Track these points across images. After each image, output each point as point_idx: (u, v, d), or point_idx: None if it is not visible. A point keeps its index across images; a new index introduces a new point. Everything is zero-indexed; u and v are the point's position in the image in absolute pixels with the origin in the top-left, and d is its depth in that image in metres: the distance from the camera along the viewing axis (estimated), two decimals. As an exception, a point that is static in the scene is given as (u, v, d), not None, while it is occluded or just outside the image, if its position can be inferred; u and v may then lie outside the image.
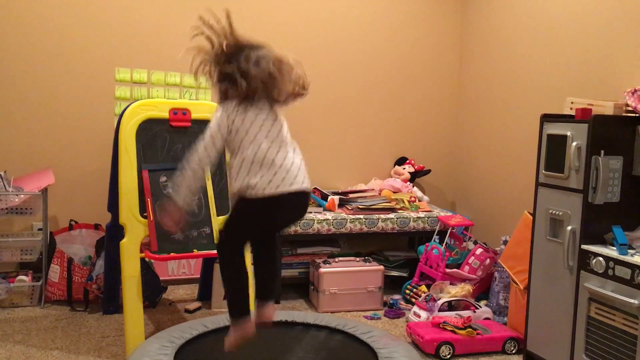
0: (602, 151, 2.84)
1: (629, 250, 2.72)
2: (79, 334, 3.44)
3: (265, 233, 2.55)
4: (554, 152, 3.05)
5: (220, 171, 3.40)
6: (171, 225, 2.51)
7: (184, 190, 2.36)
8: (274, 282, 2.60)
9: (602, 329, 2.76)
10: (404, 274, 4.40)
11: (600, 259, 2.77)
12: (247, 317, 2.42)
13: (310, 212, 4.18)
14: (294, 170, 2.35)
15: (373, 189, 4.65)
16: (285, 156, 2.35)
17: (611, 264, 2.71)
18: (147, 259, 3.45)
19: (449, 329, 3.33)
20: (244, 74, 2.30)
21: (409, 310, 3.84)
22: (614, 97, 3.20)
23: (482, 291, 4.02)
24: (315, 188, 4.50)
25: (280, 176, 2.31)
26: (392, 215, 4.29)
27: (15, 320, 3.61)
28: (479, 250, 4.02)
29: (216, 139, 2.34)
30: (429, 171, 4.86)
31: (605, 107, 2.97)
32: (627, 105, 2.93)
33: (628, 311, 2.63)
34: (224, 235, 2.44)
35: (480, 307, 3.67)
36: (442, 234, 4.25)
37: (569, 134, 2.95)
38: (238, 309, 2.43)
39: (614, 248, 2.76)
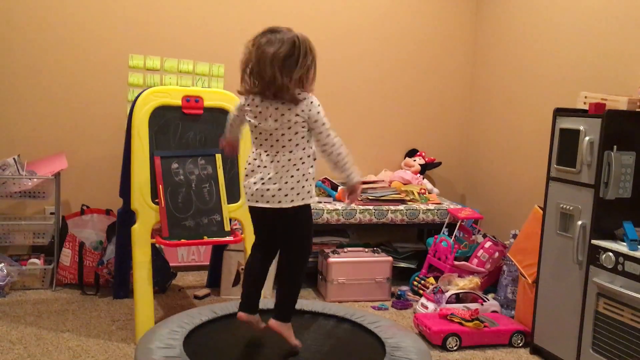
0: (615, 146, 2.83)
1: (639, 246, 2.71)
2: (89, 317, 3.48)
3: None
4: (566, 146, 3.04)
5: (231, 160, 3.42)
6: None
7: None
8: (281, 299, 2.46)
9: (610, 324, 2.76)
10: (412, 266, 4.41)
11: (610, 254, 2.76)
12: (241, 312, 2.44)
13: (320, 202, 4.19)
14: None
15: (383, 180, 4.65)
16: None
17: (621, 259, 2.71)
18: (157, 245, 3.48)
19: (456, 320, 3.34)
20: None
21: (417, 301, 3.85)
22: (628, 92, 3.19)
23: (490, 284, 4.02)
24: (325, 178, 4.51)
25: None
26: (401, 207, 4.29)
27: (27, 302, 3.66)
28: (488, 244, 4.02)
29: None
30: (439, 163, 4.85)
31: (619, 102, 2.95)
32: (642, 100, 2.92)
33: (637, 307, 2.62)
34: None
35: (488, 300, 3.67)
36: (451, 227, 4.25)
37: (581, 128, 2.94)
38: (240, 300, 2.49)
39: (624, 243, 2.76)
